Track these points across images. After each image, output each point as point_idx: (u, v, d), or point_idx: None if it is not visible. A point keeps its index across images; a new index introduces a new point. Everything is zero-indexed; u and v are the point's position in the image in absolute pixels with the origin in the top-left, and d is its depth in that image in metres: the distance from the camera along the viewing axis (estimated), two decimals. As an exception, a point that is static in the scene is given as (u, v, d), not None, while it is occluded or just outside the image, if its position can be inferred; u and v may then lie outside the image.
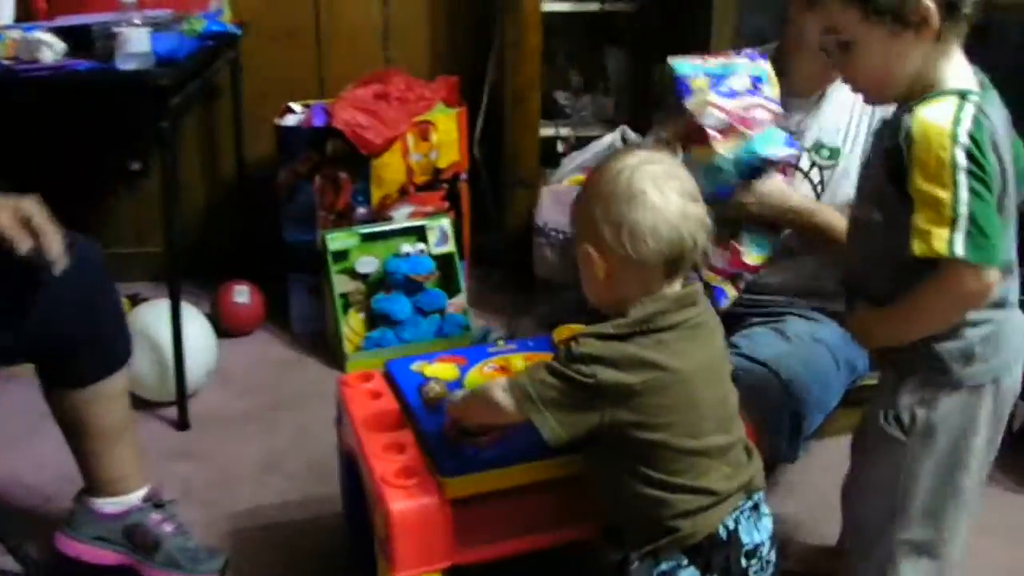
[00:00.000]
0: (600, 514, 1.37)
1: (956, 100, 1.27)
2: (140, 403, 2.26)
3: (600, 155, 2.70)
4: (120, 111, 2.51)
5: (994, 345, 1.37)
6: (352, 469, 1.60)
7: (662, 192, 1.24)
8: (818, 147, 1.86)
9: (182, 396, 2.27)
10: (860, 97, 1.43)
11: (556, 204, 2.68)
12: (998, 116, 1.31)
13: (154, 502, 1.76)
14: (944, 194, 1.23)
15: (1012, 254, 1.37)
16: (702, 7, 2.67)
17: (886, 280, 1.37)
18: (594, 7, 2.94)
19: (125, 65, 1.99)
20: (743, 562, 1.30)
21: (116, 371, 1.68)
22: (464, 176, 2.81)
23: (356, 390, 1.62)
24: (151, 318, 2.31)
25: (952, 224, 1.23)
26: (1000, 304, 1.37)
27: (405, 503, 1.35)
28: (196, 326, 2.39)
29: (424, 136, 2.66)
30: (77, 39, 2.06)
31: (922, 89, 1.31)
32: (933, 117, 1.25)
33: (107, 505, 1.73)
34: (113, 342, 1.69)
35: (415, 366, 1.62)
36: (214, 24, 2.34)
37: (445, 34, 3.00)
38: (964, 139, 1.23)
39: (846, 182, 1.80)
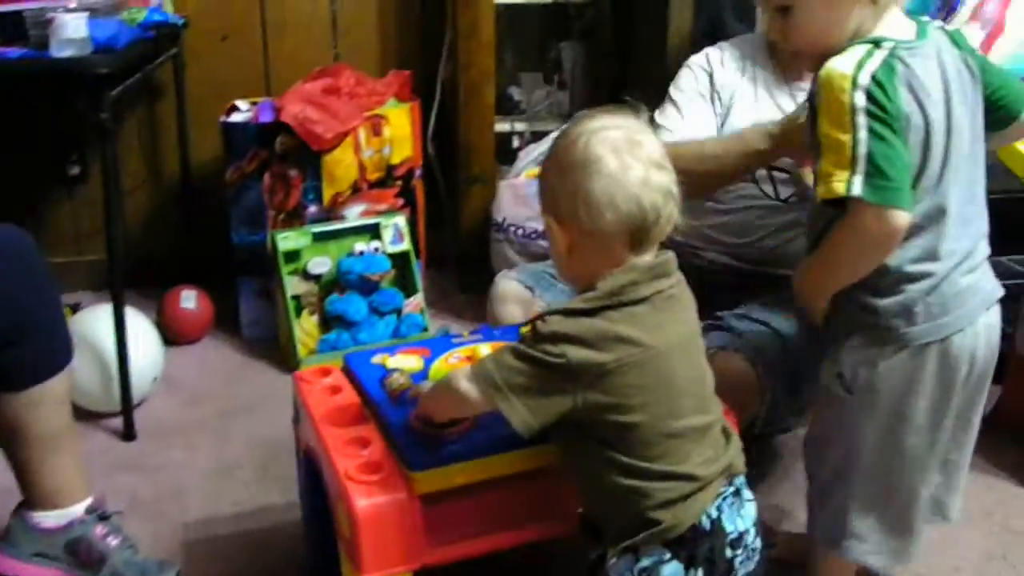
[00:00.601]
0: (578, 508, 1.29)
1: (867, 47, 1.28)
2: (82, 414, 2.15)
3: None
4: (57, 103, 2.40)
5: (940, 302, 1.35)
6: (312, 470, 1.51)
7: (620, 159, 1.16)
8: None
9: (127, 406, 2.17)
10: None
11: (515, 199, 2.62)
12: (926, 65, 1.30)
13: (98, 514, 1.66)
14: (845, 137, 1.24)
15: (948, 202, 1.33)
16: (657, -1, 2.64)
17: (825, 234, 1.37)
18: (547, -1, 2.90)
19: (61, 52, 1.88)
20: (728, 552, 1.22)
21: (56, 374, 1.58)
22: (419, 172, 2.73)
23: (314, 385, 1.53)
24: (93, 324, 2.20)
25: (852, 165, 1.23)
26: (933, 256, 1.34)
27: (371, 500, 1.26)
28: (141, 331, 2.29)
29: (376, 131, 2.58)
30: (9, 26, 1.95)
31: None
32: (838, 64, 1.27)
33: (47, 519, 1.63)
34: (51, 341, 1.58)
35: (376, 359, 1.54)
36: (156, 12, 2.24)
37: (395, 28, 2.93)
38: (864, 80, 1.24)
39: None
